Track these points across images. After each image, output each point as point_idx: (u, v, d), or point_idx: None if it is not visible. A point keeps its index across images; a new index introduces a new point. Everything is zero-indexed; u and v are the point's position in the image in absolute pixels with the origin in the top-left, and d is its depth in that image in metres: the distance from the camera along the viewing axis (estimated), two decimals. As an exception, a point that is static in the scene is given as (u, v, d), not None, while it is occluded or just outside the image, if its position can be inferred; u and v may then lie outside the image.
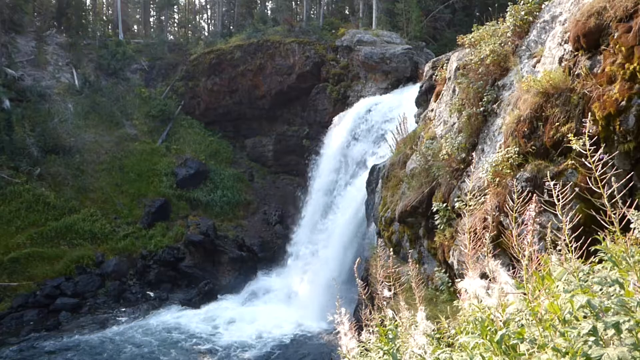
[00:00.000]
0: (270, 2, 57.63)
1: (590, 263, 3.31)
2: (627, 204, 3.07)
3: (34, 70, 38.07)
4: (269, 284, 29.30)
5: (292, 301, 26.30)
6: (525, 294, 2.85)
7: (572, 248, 2.94)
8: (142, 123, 39.36)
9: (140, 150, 36.76)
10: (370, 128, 26.58)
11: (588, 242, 3.07)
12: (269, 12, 53.55)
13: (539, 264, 2.92)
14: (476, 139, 11.42)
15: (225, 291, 28.28)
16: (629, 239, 3.07)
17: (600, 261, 3.36)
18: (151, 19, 62.85)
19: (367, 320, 4.41)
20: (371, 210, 19.42)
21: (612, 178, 3.01)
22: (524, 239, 2.89)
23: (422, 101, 18.47)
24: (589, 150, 2.97)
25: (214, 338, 22.75)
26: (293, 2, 55.34)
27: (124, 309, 25.93)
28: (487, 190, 9.29)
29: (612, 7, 7.51)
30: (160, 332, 23.31)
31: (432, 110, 15.49)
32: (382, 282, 4.30)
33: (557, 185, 3.02)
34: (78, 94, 38.14)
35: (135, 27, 61.50)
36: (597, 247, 3.07)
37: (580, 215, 3.59)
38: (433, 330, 3.72)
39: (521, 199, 3.30)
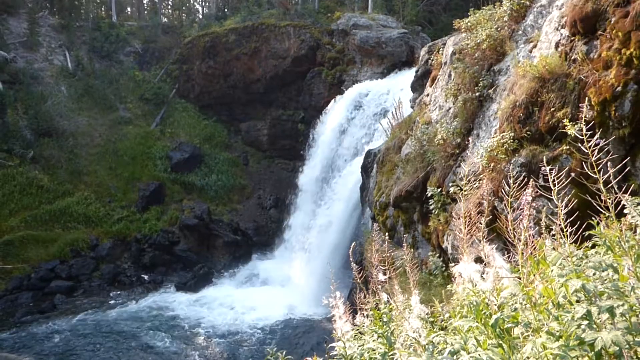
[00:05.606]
0: (265, -16, 56.98)
1: (584, 248, 3.32)
2: (622, 190, 3.07)
3: (27, 52, 37.63)
4: (264, 268, 29.40)
5: (287, 285, 26.42)
6: (519, 278, 2.86)
7: (567, 233, 2.95)
8: (136, 106, 39.09)
9: (134, 134, 36.55)
10: (365, 113, 26.53)
11: (582, 227, 3.08)
12: (264, -6, 52.96)
13: (534, 248, 2.93)
14: (471, 124, 11.41)
15: (220, 275, 28.38)
16: (623, 224, 3.09)
17: (593, 246, 3.38)
18: (145, 1, 62.15)
19: (362, 304, 4.43)
20: (366, 194, 19.45)
21: (608, 163, 3.02)
22: (519, 223, 2.90)
23: (418, 86, 18.42)
24: (585, 135, 2.96)
25: (208, 321, 22.86)
26: (288, -15, 54.73)
27: (118, 292, 25.99)
28: (482, 176, 9.31)
29: (609, -8, 7.47)
30: (154, 315, 23.40)
31: (427, 95, 15.45)
32: (377, 266, 4.31)
33: (553, 171, 3.02)
34: (71, 76, 37.79)
35: (129, 9, 60.67)
36: (592, 232, 3.08)
37: (575, 200, 3.60)
38: (427, 314, 3.74)
39: (516, 184, 3.30)
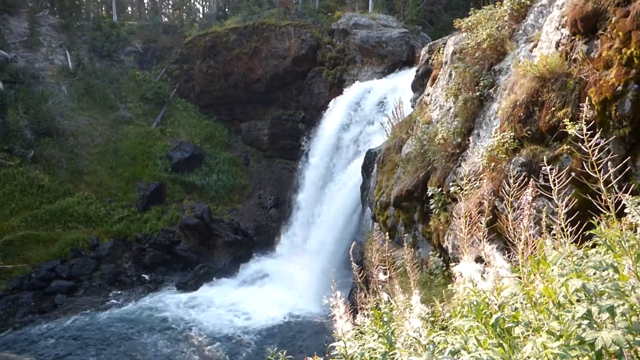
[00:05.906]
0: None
1: (584, 247, 3.32)
2: (622, 189, 3.07)
3: (27, 52, 37.65)
4: (264, 268, 29.38)
5: (287, 285, 26.39)
6: (520, 277, 2.86)
7: (567, 232, 2.95)
8: (136, 106, 39.10)
9: (135, 134, 36.55)
10: (365, 113, 26.53)
11: (583, 226, 3.08)
12: (265, -6, 52.90)
13: (534, 248, 2.93)
14: (472, 124, 11.41)
15: (221, 274, 28.35)
16: (623, 223, 3.08)
17: (594, 245, 3.37)
18: (145, 1, 62.20)
19: (363, 304, 4.43)
20: (367, 194, 19.45)
21: (608, 163, 3.02)
22: (519, 223, 2.90)
23: (419, 85, 18.42)
24: (585, 135, 2.96)
25: (208, 322, 22.85)
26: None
27: (119, 292, 25.99)
28: (482, 175, 9.30)
29: (610, -9, 7.47)
30: (154, 314, 23.40)
31: (428, 94, 15.44)
32: (378, 265, 4.31)
33: (553, 170, 3.02)
34: (72, 76, 37.80)
35: (129, 8, 60.71)
36: (592, 231, 3.08)
37: (576, 199, 3.60)
38: (427, 314, 3.74)
39: (517, 184, 3.30)
